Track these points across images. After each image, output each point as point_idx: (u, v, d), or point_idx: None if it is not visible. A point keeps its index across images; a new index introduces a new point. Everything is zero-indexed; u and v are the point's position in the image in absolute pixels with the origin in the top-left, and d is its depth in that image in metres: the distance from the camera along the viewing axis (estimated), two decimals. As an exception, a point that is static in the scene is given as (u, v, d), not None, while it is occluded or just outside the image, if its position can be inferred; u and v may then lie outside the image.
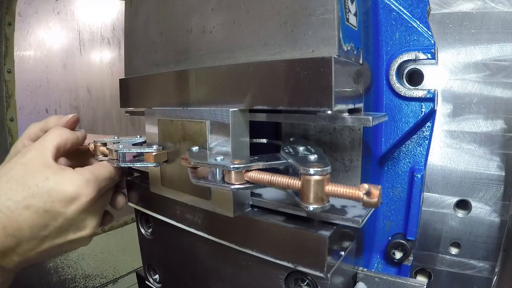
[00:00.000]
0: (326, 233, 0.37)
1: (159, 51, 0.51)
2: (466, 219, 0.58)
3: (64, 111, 1.59)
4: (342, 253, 0.42)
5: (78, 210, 0.44)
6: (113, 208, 0.56)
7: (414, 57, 0.51)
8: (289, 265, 0.40)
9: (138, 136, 0.57)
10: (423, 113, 0.52)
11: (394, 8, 0.52)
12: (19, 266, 0.44)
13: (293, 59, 0.35)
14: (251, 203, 0.45)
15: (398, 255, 0.56)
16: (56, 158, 0.46)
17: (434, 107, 0.51)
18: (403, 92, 0.52)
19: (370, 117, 0.35)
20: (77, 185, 0.44)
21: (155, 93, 0.52)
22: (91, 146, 0.54)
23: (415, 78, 0.54)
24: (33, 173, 0.42)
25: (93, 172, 0.47)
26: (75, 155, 0.55)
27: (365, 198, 0.28)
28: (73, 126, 0.54)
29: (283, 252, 0.40)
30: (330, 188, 0.30)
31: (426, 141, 0.55)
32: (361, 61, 0.40)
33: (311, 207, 0.30)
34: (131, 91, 0.57)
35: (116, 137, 0.56)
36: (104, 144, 0.52)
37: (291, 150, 0.39)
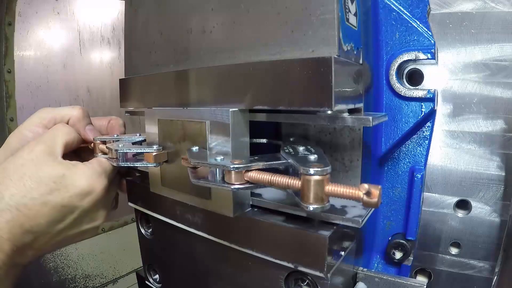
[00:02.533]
0: (326, 233, 0.37)
1: (159, 51, 0.51)
2: (466, 219, 0.58)
3: (64, 111, 1.59)
4: (342, 253, 0.42)
5: (93, 202, 0.46)
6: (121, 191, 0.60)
7: (414, 57, 0.51)
8: (289, 265, 0.40)
9: (138, 134, 0.57)
10: (423, 113, 0.52)
11: (394, 8, 0.52)
12: (32, 259, 0.45)
13: (293, 59, 0.35)
14: (251, 203, 0.45)
15: (398, 255, 0.56)
16: (62, 155, 0.47)
17: (434, 107, 0.51)
18: (403, 92, 0.52)
19: (370, 117, 0.35)
20: (91, 178, 0.45)
21: (155, 93, 0.52)
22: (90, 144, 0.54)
23: (415, 78, 0.54)
24: (46, 169, 0.43)
25: (102, 165, 0.49)
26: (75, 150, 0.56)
27: (365, 198, 0.28)
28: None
29: (283, 252, 0.40)
30: (330, 188, 0.30)
31: (426, 141, 0.55)
32: (361, 61, 0.40)
33: (311, 207, 0.30)
34: (131, 91, 0.57)
35: (115, 135, 0.55)
36: (104, 142, 0.52)
37: (291, 150, 0.39)
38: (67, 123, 0.52)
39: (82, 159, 0.54)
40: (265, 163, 0.36)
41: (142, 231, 0.64)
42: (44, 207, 0.42)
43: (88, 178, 0.45)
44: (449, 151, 0.59)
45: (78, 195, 0.44)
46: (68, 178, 0.43)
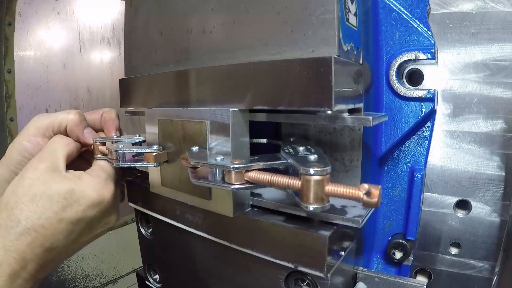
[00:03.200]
0: (326, 233, 0.37)
1: (159, 51, 0.51)
2: (466, 219, 0.58)
3: (64, 111, 1.59)
4: (342, 253, 0.42)
5: (105, 209, 0.47)
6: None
7: (414, 57, 0.51)
8: (289, 265, 0.40)
9: (138, 135, 0.56)
10: (423, 113, 0.52)
11: (394, 8, 0.52)
12: (52, 270, 0.46)
13: (293, 59, 0.35)
14: (251, 203, 0.45)
15: (398, 255, 0.56)
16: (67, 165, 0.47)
17: (434, 107, 0.51)
18: (403, 92, 0.52)
19: (370, 117, 0.35)
20: (99, 188, 0.46)
21: (155, 93, 0.52)
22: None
23: (415, 78, 0.54)
24: (54, 187, 0.43)
25: (105, 171, 0.49)
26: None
27: (365, 198, 0.28)
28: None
29: (283, 252, 0.40)
30: (330, 188, 0.30)
31: (426, 141, 0.55)
32: (361, 61, 0.40)
33: (311, 207, 0.30)
34: (131, 91, 0.57)
35: (115, 136, 0.55)
36: (103, 144, 0.52)
37: (291, 150, 0.39)
38: (65, 130, 0.51)
39: (87, 161, 0.54)
40: (265, 163, 0.36)
41: (142, 231, 0.64)
42: (61, 224, 0.43)
43: (95, 188, 0.46)
44: (449, 151, 0.59)
45: (90, 206, 0.45)
46: (77, 192, 0.44)
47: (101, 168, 0.49)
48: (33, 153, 0.49)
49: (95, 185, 0.46)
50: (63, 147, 0.48)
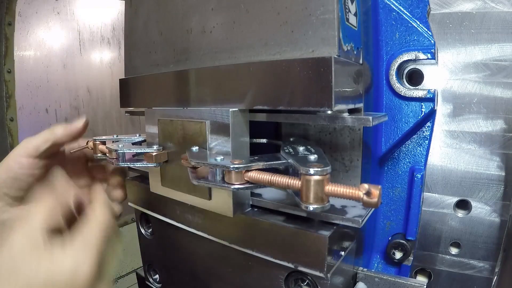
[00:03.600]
0: (326, 233, 0.37)
1: (159, 51, 0.51)
2: (466, 219, 0.58)
3: (64, 111, 1.59)
4: (342, 253, 0.42)
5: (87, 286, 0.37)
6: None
7: (414, 57, 0.51)
8: (289, 265, 0.40)
9: (138, 135, 0.56)
10: (423, 113, 0.52)
11: (394, 8, 0.52)
12: None
13: (293, 59, 0.35)
14: (251, 203, 0.45)
15: (398, 255, 0.56)
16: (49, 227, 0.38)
17: (434, 107, 0.51)
18: (403, 92, 0.52)
19: (370, 117, 0.35)
20: (74, 266, 0.36)
21: (155, 93, 0.52)
22: (90, 144, 0.54)
23: (415, 78, 0.54)
24: (31, 274, 0.35)
25: (86, 239, 0.38)
26: (69, 160, 0.54)
27: (365, 198, 0.28)
28: (83, 131, 0.53)
29: (283, 252, 0.40)
30: (330, 188, 0.30)
31: (426, 141, 0.55)
32: (361, 61, 0.40)
33: (311, 207, 0.30)
34: (131, 91, 0.57)
35: (115, 136, 0.55)
36: (103, 143, 0.52)
37: (291, 150, 0.39)
38: (52, 145, 0.49)
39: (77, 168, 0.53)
40: (265, 163, 0.36)
41: (142, 231, 0.64)
42: None
43: (74, 265, 0.36)
44: (449, 151, 0.59)
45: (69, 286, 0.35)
46: (55, 275, 0.35)
47: (82, 235, 0.38)
48: (17, 173, 0.47)
49: (66, 264, 0.36)
50: (43, 215, 0.39)
